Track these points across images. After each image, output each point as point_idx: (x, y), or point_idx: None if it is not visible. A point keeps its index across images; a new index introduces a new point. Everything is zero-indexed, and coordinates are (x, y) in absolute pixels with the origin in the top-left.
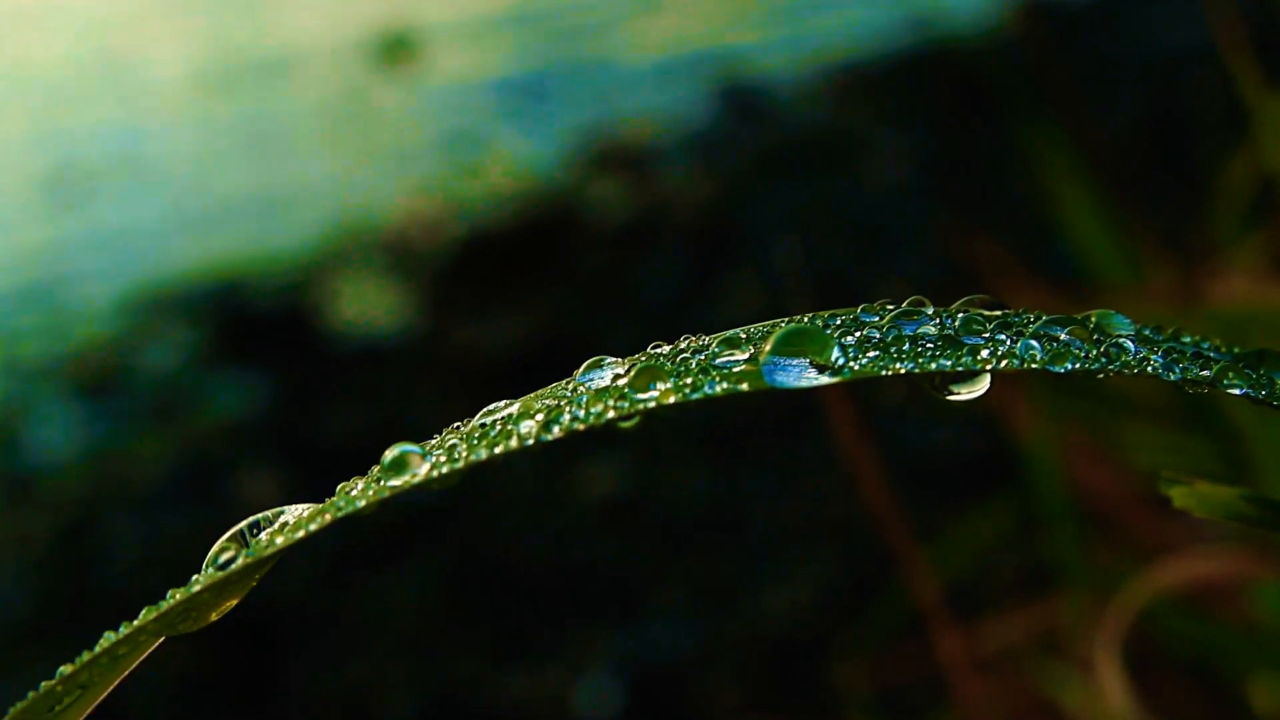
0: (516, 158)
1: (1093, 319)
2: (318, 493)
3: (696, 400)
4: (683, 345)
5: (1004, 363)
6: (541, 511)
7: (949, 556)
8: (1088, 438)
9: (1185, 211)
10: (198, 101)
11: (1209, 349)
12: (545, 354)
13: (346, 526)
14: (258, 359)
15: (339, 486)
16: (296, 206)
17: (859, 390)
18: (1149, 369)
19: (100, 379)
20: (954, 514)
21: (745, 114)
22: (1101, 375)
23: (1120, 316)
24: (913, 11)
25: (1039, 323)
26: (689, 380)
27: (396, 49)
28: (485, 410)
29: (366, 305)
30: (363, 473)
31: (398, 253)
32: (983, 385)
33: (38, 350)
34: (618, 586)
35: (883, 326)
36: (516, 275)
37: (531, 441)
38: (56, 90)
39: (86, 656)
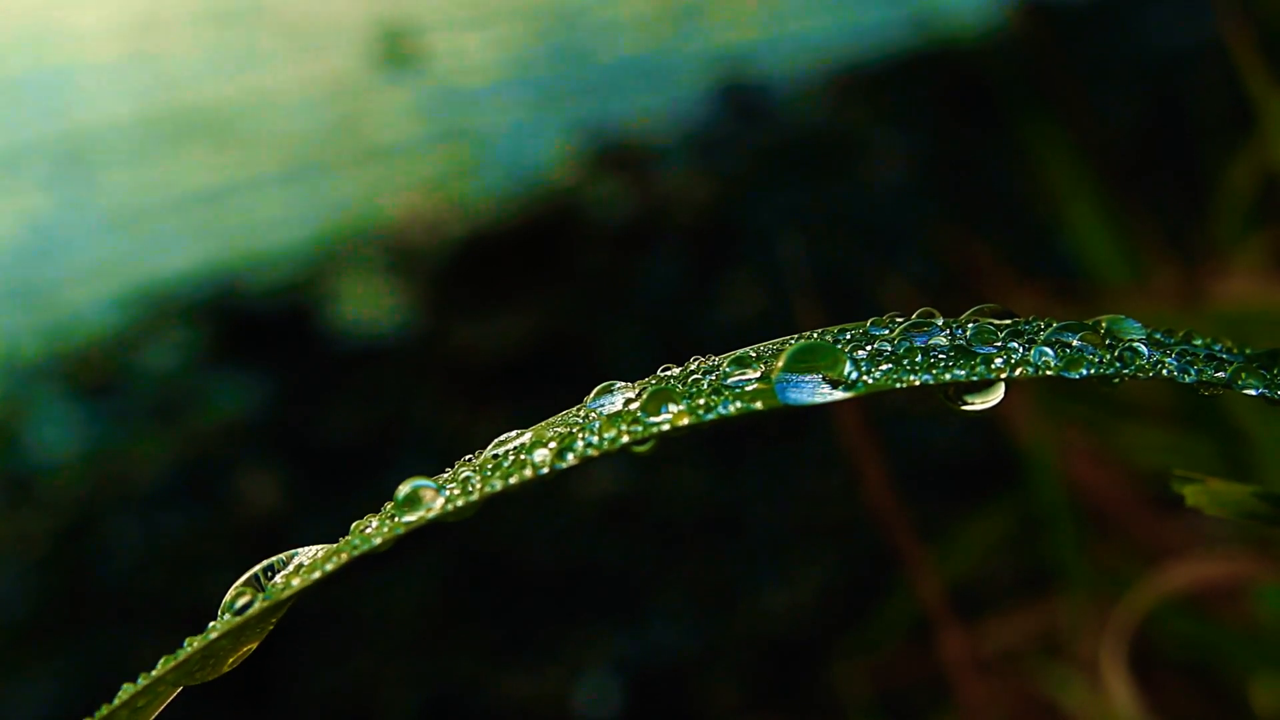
0: (517, 156)
1: (1103, 324)
2: (318, 493)
3: (710, 421)
4: (693, 366)
5: (1019, 370)
6: (541, 511)
7: (950, 558)
8: (1088, 439)
9: (1187, 211)
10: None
11: (1221, 350)
12: (546, 354)
13: (345, 525)
14: (258, 359)
15: (353, 525)
16: (296, 206)
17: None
18: (1164, 372)
19: (100, 379)
20: (955, 515)
21: (745, 114)
22: (1117, 380)
23: (1131, 321)
24: (913, 11)
25: (1051, 330)
26: (701, 401)
27: (398, 46)
28: (497, 441)
29: (366, 305)
30: (362, 473)
31: (398, 252)
32: (997, 395)
33: (37, 350)
34: (618, 586)
35: (894, 339)
36: (516, 275)
37: (546, 470)
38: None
39: (105, 710)
